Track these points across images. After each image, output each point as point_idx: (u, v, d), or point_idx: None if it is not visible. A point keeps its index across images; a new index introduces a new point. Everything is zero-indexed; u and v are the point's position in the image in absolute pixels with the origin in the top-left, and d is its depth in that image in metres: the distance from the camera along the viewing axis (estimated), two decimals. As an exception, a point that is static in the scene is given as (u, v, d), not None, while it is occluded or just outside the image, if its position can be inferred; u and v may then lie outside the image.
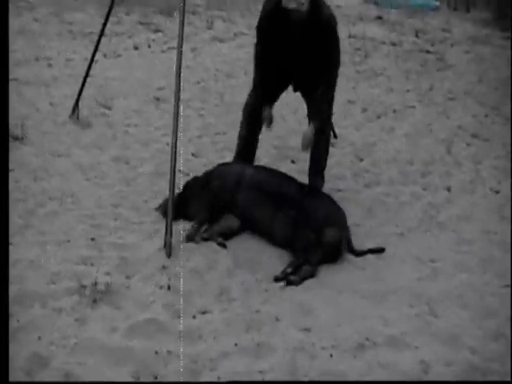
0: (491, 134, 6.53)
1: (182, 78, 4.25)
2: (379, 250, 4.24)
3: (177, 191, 4.33)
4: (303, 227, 4.06)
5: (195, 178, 4.54)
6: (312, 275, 3.90)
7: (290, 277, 3.84)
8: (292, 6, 4.13)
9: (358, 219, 4.64)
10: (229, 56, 8.75)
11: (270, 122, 4.69)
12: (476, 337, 3.43)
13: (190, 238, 4.10)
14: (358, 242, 4.30)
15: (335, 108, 6.57)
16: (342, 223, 4.20)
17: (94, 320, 3.29)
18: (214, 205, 4.31)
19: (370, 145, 6.04)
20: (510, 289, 3.86)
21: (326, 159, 4.81)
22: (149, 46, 8.97)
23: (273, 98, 4.72)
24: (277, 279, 3.84)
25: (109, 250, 3.96)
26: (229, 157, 5.33)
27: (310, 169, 4.79)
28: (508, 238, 4.49)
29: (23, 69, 7.31)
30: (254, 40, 4.55)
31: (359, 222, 4.61)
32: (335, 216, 4.21)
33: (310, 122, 4.57)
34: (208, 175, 4.47)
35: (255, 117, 4.65)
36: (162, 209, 4.37)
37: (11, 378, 2.82)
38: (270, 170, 4.65)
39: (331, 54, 4.43)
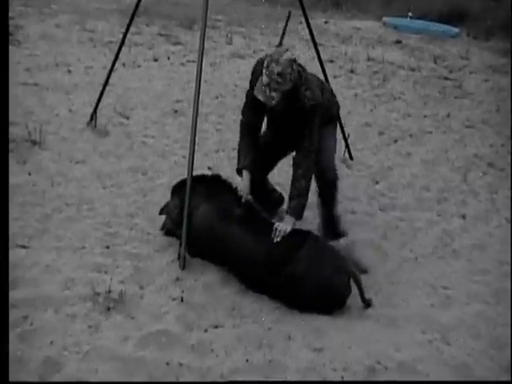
0: (507, 163, 6.51)
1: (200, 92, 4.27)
2: (368, 303, 3.87)
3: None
4: (311, 283, 3.69)
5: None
6: None
7: None
8: (261, 98, 3.95)
9: (372, 243, 4.62)
10: (247, 72, 8.66)
11: None
12: (488, 368, 3.40)
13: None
14: (373, 266, 4.30)
15: (352, 130, 6.65)
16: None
17: (107, 328, 3.30)
18: None
19: (386, 169, 6.03)
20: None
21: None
22: (168, 58, 9.01)
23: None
24: None
25: (123, 259, 3.98)
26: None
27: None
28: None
29: (44, 74, 7.37)
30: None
31: (373, 246, 4.58)
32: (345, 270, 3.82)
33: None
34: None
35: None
36: (165, 228, 4.34)
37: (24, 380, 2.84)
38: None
39: (309, 133, 4.08)
